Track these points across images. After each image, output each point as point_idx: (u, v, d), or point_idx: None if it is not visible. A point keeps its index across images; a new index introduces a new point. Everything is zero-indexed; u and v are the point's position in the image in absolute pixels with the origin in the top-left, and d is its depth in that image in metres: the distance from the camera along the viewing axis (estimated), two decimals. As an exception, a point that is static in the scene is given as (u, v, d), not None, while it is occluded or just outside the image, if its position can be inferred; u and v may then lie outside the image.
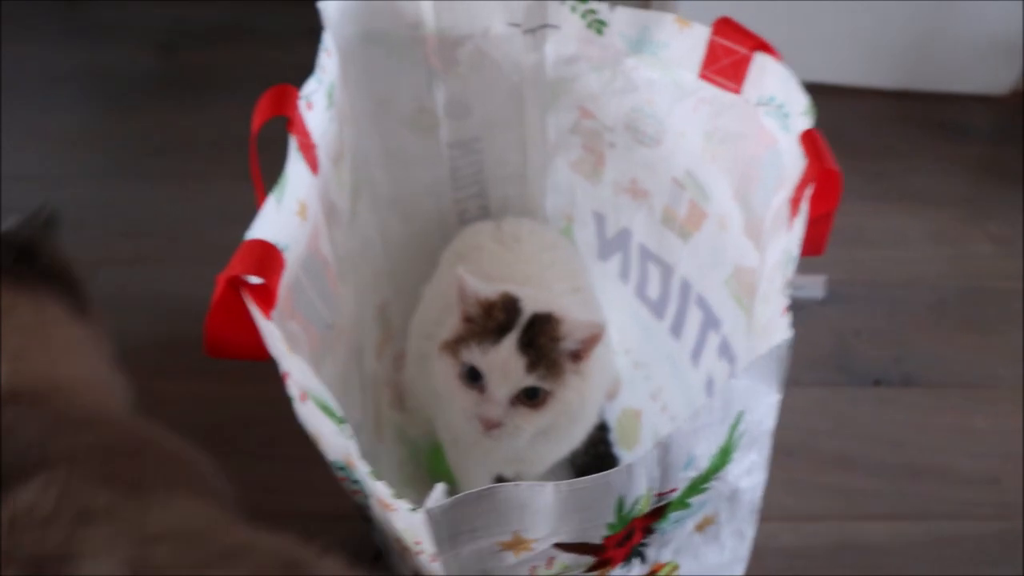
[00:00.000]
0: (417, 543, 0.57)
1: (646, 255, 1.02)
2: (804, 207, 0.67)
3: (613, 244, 1.06)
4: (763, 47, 0.79)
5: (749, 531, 0.72)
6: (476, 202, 1.07)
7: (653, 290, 1.03)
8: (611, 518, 0.57)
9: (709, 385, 0.95)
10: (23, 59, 1.63)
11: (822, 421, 1.13)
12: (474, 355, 0.73)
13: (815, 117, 0.73)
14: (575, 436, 0.84)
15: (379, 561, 0.82)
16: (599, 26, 0.88)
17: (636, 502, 0.57)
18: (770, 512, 0.77)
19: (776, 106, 0.77)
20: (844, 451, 1.09)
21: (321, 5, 0.83)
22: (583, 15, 0.88)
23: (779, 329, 0.62)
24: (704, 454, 0.58)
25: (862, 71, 1.64)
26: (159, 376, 0.99)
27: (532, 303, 0.76)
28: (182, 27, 1.73)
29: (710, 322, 0.94)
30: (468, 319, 0.77)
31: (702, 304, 0.95)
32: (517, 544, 0.56)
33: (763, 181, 0.81)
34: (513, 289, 0.78)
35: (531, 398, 0.74)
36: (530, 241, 0.96)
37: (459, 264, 0.84)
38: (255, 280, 0.61)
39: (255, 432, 1.05)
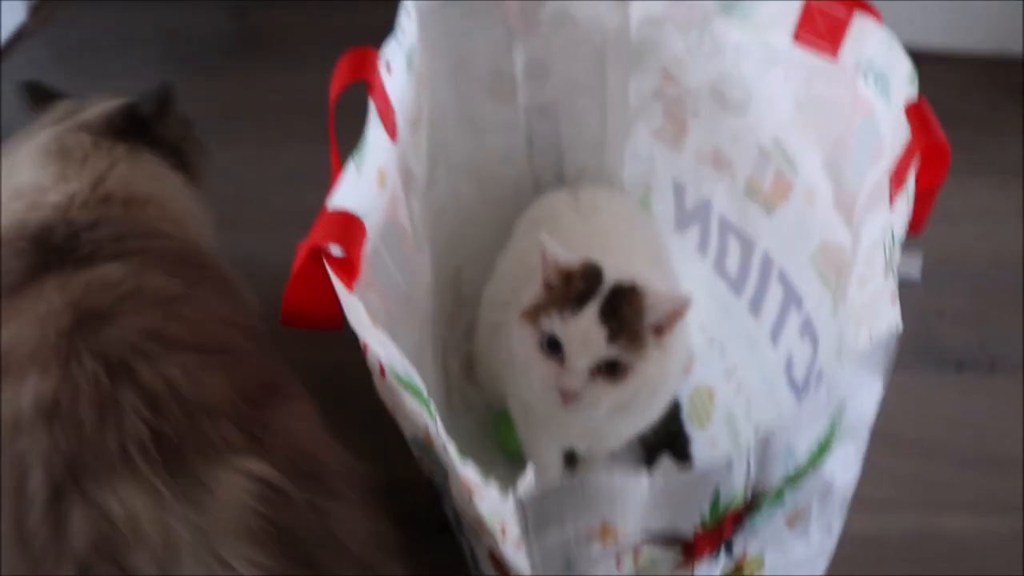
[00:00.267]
0: (502, 528, 0.56)
1: (726, 228, 0.99)
2: (910, 183, 0.63)
3: (692, 215, 1.04)
4: (863, 6, 0.75)
5: (837, 525, 0.70)
6: (552, 170, 1.05)
7: (732, 264, 1.01)
8: (705, 512, 0.55)
9: (789, 365, 0.93)
10: (95, 21, 1.63)
11: (901, 406, 1.07)
12: (554, 323, 0.72)
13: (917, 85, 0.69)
14: (653, 411, 0.82)
15: (444, 533, 0.82)
16: (688, -15, 0.85)
17: (732, 496, 0.55)
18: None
19: (876, 72, 0.73)
20: (924, 438, 1.05)
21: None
22: (672, -27, 0.85)
23: (884, 316, 0.60)
24: (804, 447, 0.56)
25: (950, 33, 1.56)
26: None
27: (614, 273, 0.75)
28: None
29: (792, 299, 0.91)
30: (549, 286, 0.75)
31: (784, 280, 0.92)
32: (605, 534, 0.55)
33: (856, 152, 0.77)
34: (594, 259, 0.76)
35: (611, 371, 0.72)
36: (608, 211, 0.94)
37: (535, 233, 0.82)
38: (337, 251, 0.59)
39: (320, 398, 1.04)
